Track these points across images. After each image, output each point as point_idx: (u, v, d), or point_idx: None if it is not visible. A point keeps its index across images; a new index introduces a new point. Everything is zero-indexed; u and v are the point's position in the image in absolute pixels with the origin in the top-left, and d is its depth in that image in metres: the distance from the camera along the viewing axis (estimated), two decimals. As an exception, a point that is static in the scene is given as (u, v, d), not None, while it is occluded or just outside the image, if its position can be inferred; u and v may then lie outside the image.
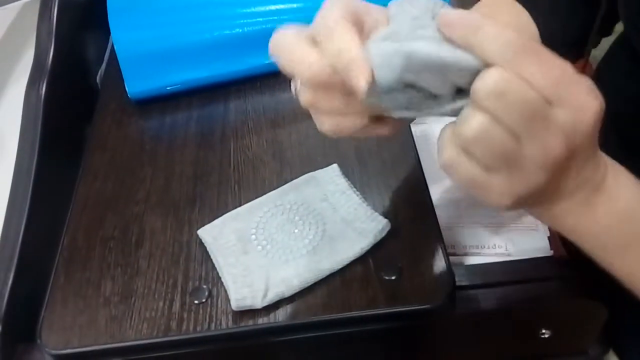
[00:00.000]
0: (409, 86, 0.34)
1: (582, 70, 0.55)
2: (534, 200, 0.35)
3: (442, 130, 0.34)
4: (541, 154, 0.31)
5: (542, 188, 0.33)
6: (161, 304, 0.50)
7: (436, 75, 0.33)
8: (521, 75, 0.29)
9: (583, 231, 0.38)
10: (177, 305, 0.49)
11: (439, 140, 0.34)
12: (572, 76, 0.31)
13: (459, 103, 0.33)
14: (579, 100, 0.31)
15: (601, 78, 0.62)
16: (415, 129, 0.65)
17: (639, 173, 0.56)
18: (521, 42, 0.30)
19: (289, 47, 0.37)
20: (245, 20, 0.67)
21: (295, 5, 0.68)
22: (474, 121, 0.31)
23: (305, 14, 0.69)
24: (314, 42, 0.36)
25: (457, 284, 0.51)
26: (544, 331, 0.54)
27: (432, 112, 0.35)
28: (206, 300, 0.49)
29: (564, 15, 0.54)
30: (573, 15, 0.55)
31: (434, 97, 0.34)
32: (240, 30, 0.67)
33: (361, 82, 0.33)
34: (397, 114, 0.36)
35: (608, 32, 0.57)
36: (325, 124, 0.40)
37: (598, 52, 0.66)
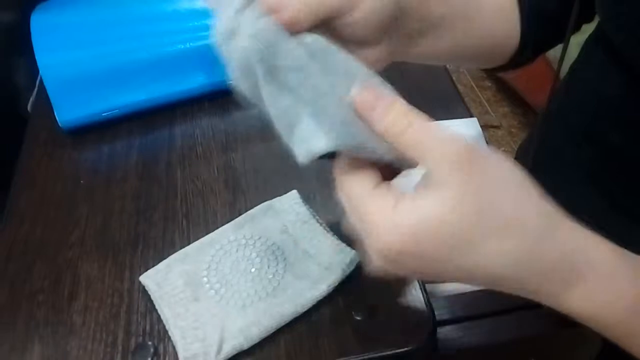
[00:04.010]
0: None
1: (543, 72, 0.51)
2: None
3: None
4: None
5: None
6: (99, 368, 0.43)
7: None
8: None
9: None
10: (117, 368, 0.43)
11: None
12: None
13: None
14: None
15: (575, 79, 0.59)
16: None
17: (617, 176, 0.53)
18: None
19: None
20: (187, 35, 0.61)
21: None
22: None
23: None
24: None
25: (438, 318, 0.46)
26: (534, 362, 0.49)
27: None
28: (152, 360, 0.43)
29: None
30: None
31: None
32: (183, 46, 0.61)
33: None
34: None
35: (590, 17, 0.52)
36: None
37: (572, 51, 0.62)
